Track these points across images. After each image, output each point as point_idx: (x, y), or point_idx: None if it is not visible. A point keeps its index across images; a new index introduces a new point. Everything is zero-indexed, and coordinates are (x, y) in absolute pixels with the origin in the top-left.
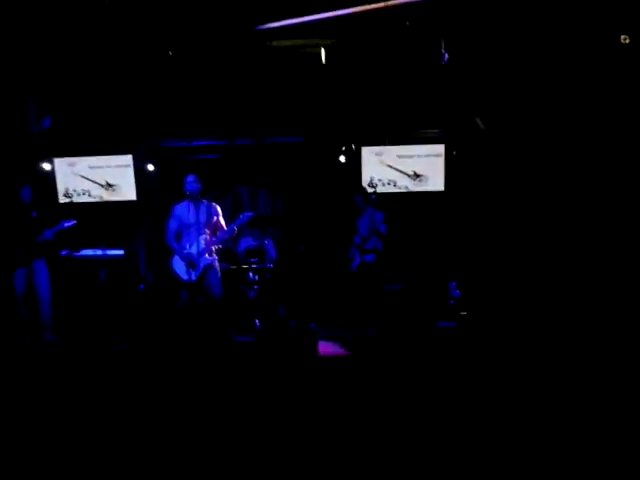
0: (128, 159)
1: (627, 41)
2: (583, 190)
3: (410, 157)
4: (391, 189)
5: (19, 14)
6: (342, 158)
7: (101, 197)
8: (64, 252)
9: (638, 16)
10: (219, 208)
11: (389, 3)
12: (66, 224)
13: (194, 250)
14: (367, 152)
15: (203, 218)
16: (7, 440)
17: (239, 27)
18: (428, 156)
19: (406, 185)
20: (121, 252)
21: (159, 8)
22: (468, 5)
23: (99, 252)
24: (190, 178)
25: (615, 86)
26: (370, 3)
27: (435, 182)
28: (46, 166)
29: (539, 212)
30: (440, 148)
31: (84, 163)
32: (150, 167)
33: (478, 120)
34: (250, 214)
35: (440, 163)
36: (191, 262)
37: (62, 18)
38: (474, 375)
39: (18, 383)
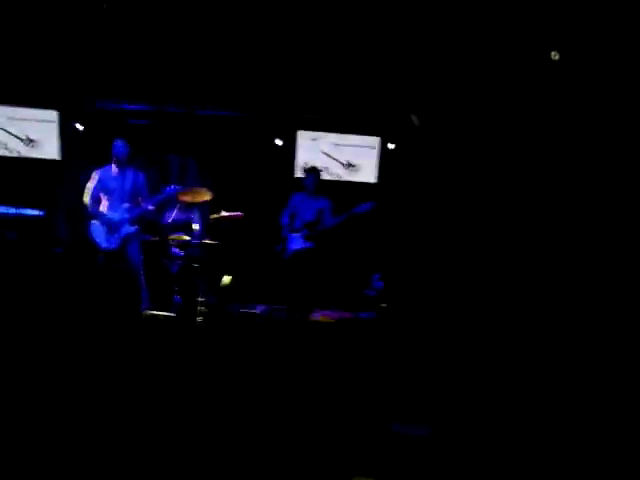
0: (53, 115)
1: (557, 57)
2: (508, 190)
3: (345, 146)
4: (324, 176)
5: None
6: (278, 140)
7: (19, 152)
8: None
9: (568, 32)
10: (145, 177)
11: None
12: None
13: (116, 217)
14: (303, 136)
15: (128, 185)
16: None
17: None
18: (363, 147)
19: (338, 173)
20: (37, 212)
21: None
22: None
23: (12, 210)
24: (118, 142)
25: (544, 91)
26: None
27: (367, 173)
28: None
29: (465, 211)
30: (375, 140)
31: (2, 112)
32: (77, 126)
33: (413, 116)
34: (177, 187)
35: (374, 155)
36: (111, 228)
37: None
38: (390, 364)
39: None
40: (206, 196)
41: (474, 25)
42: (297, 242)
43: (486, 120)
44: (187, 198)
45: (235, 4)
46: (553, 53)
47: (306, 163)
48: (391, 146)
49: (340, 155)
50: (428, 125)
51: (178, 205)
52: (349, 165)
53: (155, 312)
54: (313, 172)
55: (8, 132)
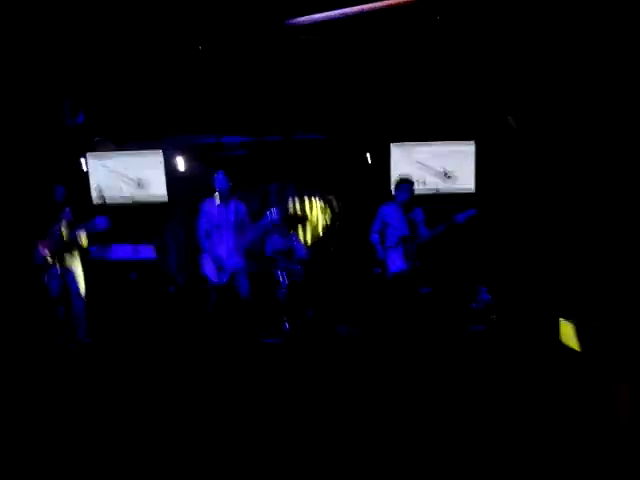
0: (159, 158)
1: None
2: (621, 193)
3: (440, 155)
4: (420, 188)
5: (57, 15)
6: (371, 156)
7: (132, 195)
8: (94, 249)
9: None
10: (246, 206)
11: None
12: (99, 222)
13: (224, 251)
14: (396, 150)
15: (232, 217)
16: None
17: (268, 22)
18: (459, 154)
19: (436, 183)
20: (152, 252)
21: (189, 4)
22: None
23: (130, 252)
24: (219, 175)
25: None
26: None
27: (465, 181)
28: (81, 165)
29: (572, 215)
30: (471, 145)
31: (116, 161)
32: (179, 163)
33: (510, 118)
34: (277, 214)
35: (471, 161)
36: (220, 263)
37: (96, 16)
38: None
39: (50, 382)
40: (305, 220)
41: (572, 22)
42: (397, 261)
43: (589, 119)
44: (287, 223)
45: (322, 32)
46: None
47: (400, 176)
48: (489, 151)
49: (436, 164)
50: (526, 126)
51: (279, 232)
52: (445, 174)
53: (265, 339)
54: (406, 182)
55: (122, 178)
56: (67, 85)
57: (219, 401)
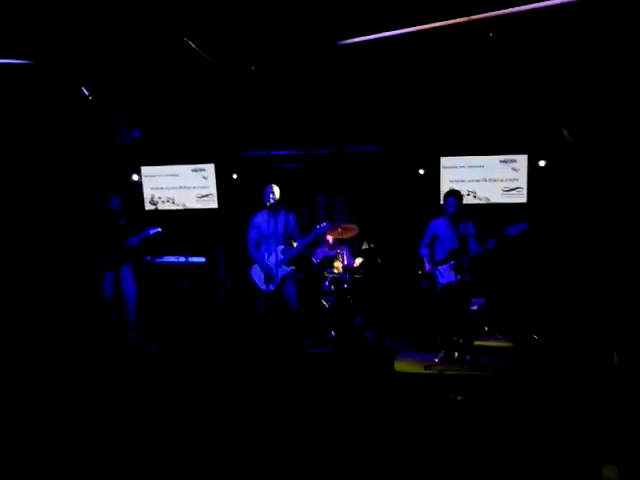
0: (210, 168)
1: None
2: None
3: (491, 167)
4: (471, 200)
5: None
6: (421, 170)
7: (184, 205)
8: (148, 258)
9: None
10: (296, 218)
11: (472, 17)
12: (151, 231)
13: (272, 261)
14: (447, 162)
15: (281, 228)
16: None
17: (320, 41)
18: (510, 166)
19: (487, 196)
20: (202, 259)
21: (242, 24)
22: (552, 15)
23: (182, 259)
24: (269, 188)
25: None
26: (451, 18)
27: (518, 193)
28: (134, 175)
29: (629, 230)
30: (523, 158)
31: (168, 171)
32: (232, 176)
33: (565, 131)
34: (327, 225)
35: (522, 174)
36: (269, 273)
37: (148, 38)
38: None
39: (103, 379)
40: (354, 232)
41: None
42: (447, 274)
43: None
44: (336, 235)
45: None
46: None
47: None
48: (542, 163)
49: (486, 176)
50: (582, 139)
51: (328, 242)
52: (504, 188)
53: (312, 349)
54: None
55: (175, 188)
56: (123, 101)
57: (266, 408)
